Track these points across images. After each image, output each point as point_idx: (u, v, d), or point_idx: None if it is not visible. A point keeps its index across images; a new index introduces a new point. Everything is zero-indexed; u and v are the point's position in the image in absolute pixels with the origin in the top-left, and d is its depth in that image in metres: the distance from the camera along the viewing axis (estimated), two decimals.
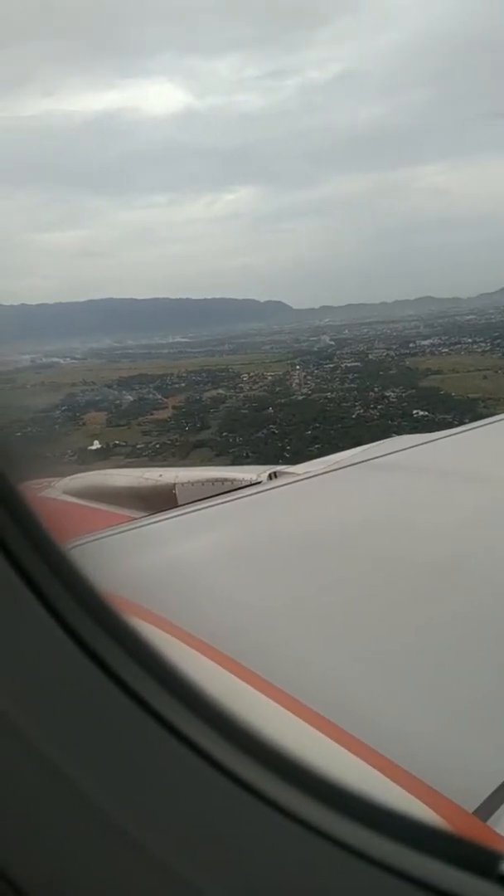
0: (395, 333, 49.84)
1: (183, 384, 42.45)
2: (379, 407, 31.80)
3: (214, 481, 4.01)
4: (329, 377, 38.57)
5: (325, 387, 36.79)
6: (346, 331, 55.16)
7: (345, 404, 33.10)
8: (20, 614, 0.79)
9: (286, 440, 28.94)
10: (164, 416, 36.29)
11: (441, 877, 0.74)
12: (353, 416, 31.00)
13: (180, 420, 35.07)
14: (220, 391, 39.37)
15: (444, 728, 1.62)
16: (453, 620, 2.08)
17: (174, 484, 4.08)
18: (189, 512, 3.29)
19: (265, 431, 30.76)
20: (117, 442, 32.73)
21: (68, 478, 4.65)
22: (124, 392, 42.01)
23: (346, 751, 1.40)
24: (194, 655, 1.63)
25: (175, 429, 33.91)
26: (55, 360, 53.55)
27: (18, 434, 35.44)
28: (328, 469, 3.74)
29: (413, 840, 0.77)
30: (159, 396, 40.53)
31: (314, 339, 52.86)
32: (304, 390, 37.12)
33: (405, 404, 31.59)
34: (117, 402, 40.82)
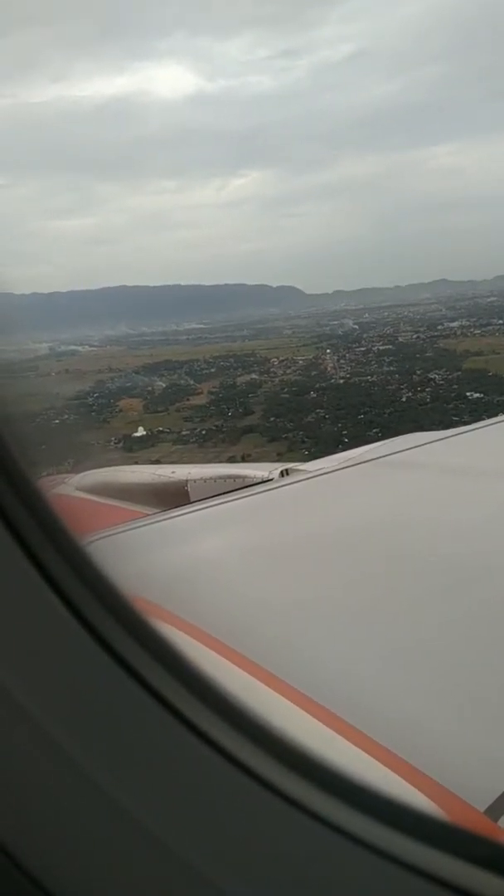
0: (417, 316, 48.82)
1: (213, 370, 41.39)
2: (427, 390, 30.96)
3: (226, 478, 3.93)
4: (363, 360, 37.64)
5: (363, 370, 35.85)
6: (366, 314, 54.03)
7: (389, 387, 32.21)
8: (38, 608, 0.80)
9: (339, 425, 28.07)
10: (201, 401, 35.32)
11: (448, 870, 0.76)
12: (403, 400, 30.15)
13: (220, 405, 34.11)
14: (254, 376, 38.39)
15: (457, 726, 1.57)
16: (469, 618, 2.02)
17: (186, 481, 4.02)
18: (201, 509, 3.23)
19: (314, 416, 29.87)
20: (161, 428, 31.79)
21: (81, 474, 4.55)
22: (155, 378, 41.00)
23: (355, 746, 1.36)
24: (205, 650, 1.58)
25: (216, 414, 32.95)
26: (73, 347, 52.34)
27: (56, 422, 34.66)
28: (339, 466, 3.66)
29: (420, 833, 0.79)
30: (192, 382, 39.54)
31: (335, 322, 51.79)
32: (342, 374, 36.20)
33: (455, 386, 30.72)
34: (149, 388, 39.82)
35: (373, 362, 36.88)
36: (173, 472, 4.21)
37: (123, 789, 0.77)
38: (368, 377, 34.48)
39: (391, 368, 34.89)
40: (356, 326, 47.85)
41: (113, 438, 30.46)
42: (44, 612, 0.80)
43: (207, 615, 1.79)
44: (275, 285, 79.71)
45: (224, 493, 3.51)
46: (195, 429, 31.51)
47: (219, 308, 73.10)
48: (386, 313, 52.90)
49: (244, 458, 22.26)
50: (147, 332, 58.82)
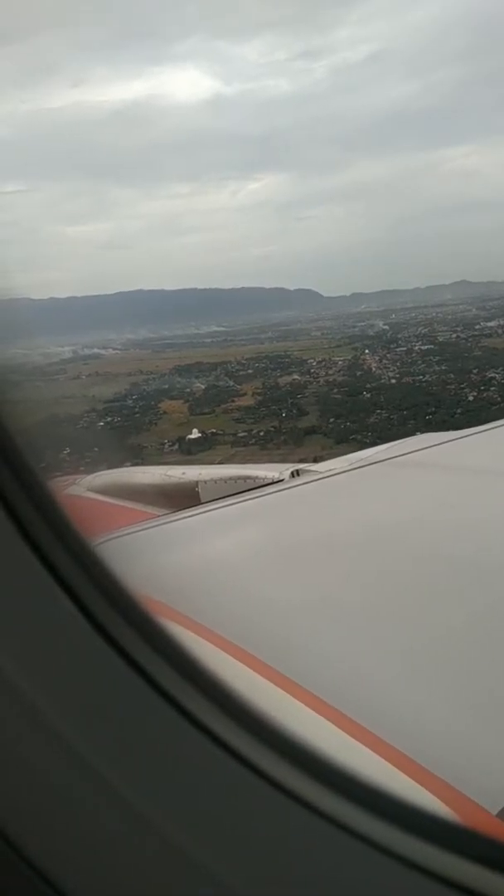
0: (449, 317, 47.29)
1: (249, 371, 39.74)
2: (492, 389, 29.36)
3: (237, 479, 3.83)
4: (407, 360, 36.01)
5: (411, 370, 34.20)
6: (393, 315, 52.57)
7: (449, 387, 30.59)
8: (48, 607, 0.80)
9: (408, 426, 26.38)
10: (247, 402, 33.61)
11: (462, 872, 0.76)
12: (470, 399, 28.53)
13: (269, 406, 32.41)
14: (296, 377, 36.74)
15: (470, 728, 1.54)
16: (484, 617, 1.97)
17: (197, 482, 3.93)
18: (212, 510, 3.18)
19: (377, 417, 28.21)
20: (214, 430, 30.07)
21: (93, 475, 4.42)
22: (193, 380, 39.38)
23: (366, 748, 1.34)
24: (216, 651, 1.56)
25: (269, 416, 31.25)
26: (96, 350, 50.76)
27: (101, 424, 33.04)
28: (351, 467, 3.60)
29: (433, 835, 0.78)
30: (231, 383, 37.92)
31: (362, 324, 50.34)
32: (390, 374, 34.55)
33: None
34: (187, 389, 38.21)
35: (419, 362, 35.26)
36: (184, 473, 4.10)
37: (131, 785, 0.74)
38: (421, 377, 32.83)
39: (442, 368, 33.24)
40: (386, 327, 46.36)
41: (166, 441, 28.80)
42: (53, 611, 0.79)
43: (218, 616, 1.74)
44: (292, 288, 78.33)
45: (235, 494, 3.39)
46: (251, 430, 29.79)
47: (236, 311, 71.73)
48: (413, 314, 51.42)
49: (315, 461, 20.68)
50: (168, 336, 57.31)
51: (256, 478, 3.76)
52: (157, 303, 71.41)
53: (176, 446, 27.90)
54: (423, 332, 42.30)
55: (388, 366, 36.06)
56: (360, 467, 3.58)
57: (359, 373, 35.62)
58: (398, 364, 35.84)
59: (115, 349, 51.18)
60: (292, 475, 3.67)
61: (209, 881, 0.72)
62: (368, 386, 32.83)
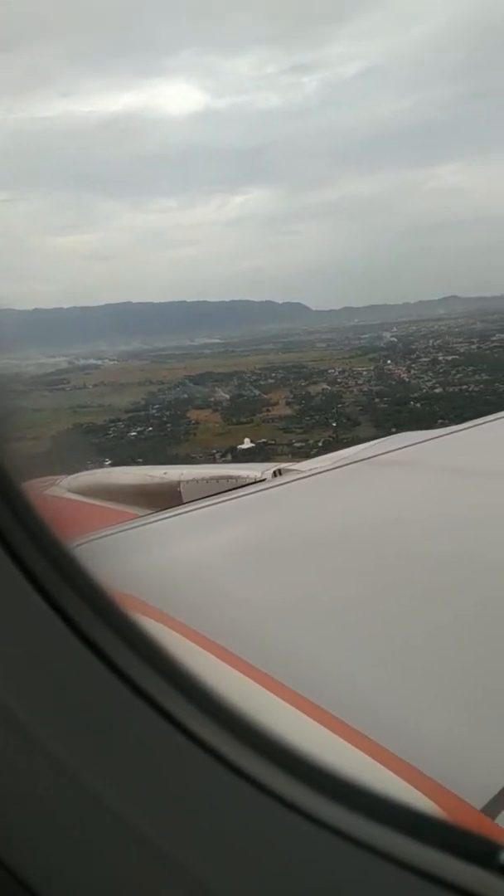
0: (455, 329, 45.66)
1: (270, 381, 37.15)
2: None
3: (219, 479, 3.75)
4: (439, 370, 33.91)
5: (450, 380, 32.09)
6: (394, 328, 50.83)
7: None
8: (23, 611, 0.76)
9: None
10: (284, 412, 30.92)
11: (441, 866, 0.73)
12: None
13: (312, 416, 29.78)
14: (324, 386, 34.25)
15: (456, 724, 1.51)
16: (461, 616, 1.93)
17: (179, 482, 3.83)
18: (194, 510, 3.11)
19: (443, 426, 25.89)
20: (265, 440, 27.26)
21: (73, 476, 4.23)
22: (215, 389, 36.54)
23: (350, 745, 1.32)
24: (198, 652, 1.54)
25: (319, 425, 28.60)
26: (92, 361, 47.43)
27: (133, 434, 29.94)
28: (332, 466, 3.54)
29: (416, 831, 0.76)
30: (257, 392, 35.23)
31: (366, 336, 48.48)
32: (429, 384, 32.34)
33: None
34: (211, 398, 35.37)
35: (452, 372, 33.20)
36: (165, 473, 3.97)
37: (112, 792, 0.71)
38: (465, 386, 30.70)
39: (484, 377, 31.20)
40: (395, 339, 44.51)
41: (216, 451, 25.90)
42: (28, 614, 0.76)
43: (200, 616, 1.70)
44: (280, 301, 75.98)
45: (217, 494, 3.29)
46: (306, 440, 27.09)
47: (226, 324, 69.17)
48: (414, 328, 49.79)
49: None
50: (162, 347, 54.36)
51: (239, 477, 3.66)
52: (146, 315, 68.39)
53: (229, 456, 25.02)
54: (436, 343, 40.43)
55: (420, 375, 33.92)
56: (340, 466, 3.49)
57: (392, 382, 33.37)
58: (430, 374, 33.71)
59: (110, 360, 48.03)
60: (274, 475, 3.58)
61: (206, 892, 0.69)
62: (412, 396, 30.55)
